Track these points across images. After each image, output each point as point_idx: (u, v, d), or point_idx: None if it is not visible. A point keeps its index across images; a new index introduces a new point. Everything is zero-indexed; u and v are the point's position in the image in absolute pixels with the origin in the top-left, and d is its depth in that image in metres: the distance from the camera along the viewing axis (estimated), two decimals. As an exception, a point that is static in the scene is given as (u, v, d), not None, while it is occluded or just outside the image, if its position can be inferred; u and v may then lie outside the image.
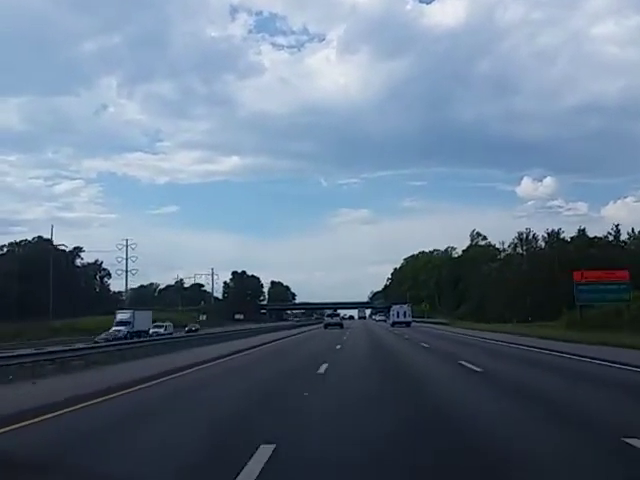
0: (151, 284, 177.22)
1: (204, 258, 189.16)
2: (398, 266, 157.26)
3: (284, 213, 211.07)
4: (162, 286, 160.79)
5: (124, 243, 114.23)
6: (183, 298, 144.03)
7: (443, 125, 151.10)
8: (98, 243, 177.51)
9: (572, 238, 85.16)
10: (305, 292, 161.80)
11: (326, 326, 57.69)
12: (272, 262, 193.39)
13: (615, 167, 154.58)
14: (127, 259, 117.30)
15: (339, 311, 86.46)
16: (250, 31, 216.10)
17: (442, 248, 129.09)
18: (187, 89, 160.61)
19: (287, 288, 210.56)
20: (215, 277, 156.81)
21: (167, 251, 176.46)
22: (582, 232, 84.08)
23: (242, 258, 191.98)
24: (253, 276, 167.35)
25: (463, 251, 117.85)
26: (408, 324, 59.40)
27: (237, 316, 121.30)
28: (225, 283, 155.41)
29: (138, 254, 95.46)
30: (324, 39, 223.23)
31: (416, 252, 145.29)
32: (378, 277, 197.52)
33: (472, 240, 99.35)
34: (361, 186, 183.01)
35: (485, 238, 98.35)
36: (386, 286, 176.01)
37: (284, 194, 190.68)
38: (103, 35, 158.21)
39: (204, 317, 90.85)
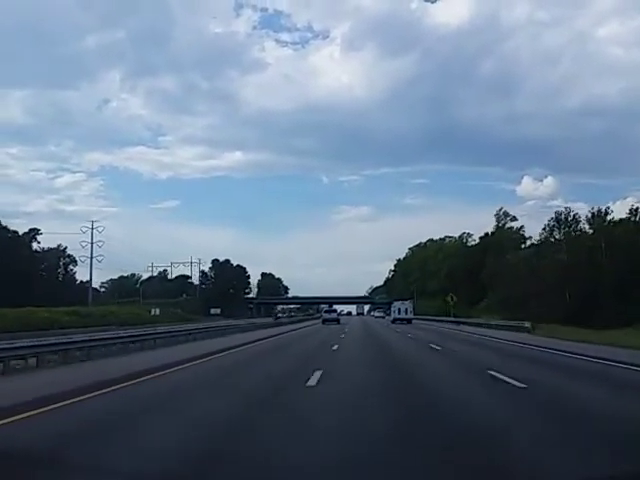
0: (133, 275, 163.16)
1: (201, 252, 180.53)
2: (402, 256, 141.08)
3: (285, 209, 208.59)
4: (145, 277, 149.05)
5: (89, 226, 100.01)
6: (167, 290, 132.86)
7: (445, 123, 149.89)
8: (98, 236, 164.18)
9: (621, 220, 68.42)
10: (305, 289, 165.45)
11: (324, 321, 59.36)
12: (271, 258, 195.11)
13: (616, 168, 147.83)
14: (92, 244, 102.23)
15: (335, 307, 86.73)
16: (254, 27, 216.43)
17: (455, 235, 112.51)
18: (190, 84, 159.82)
19: (279, 281, 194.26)
20: (202, 267, 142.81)
21: (164, 245, 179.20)
22: (635, 212, 66.57)
23: (240, 253, 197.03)
24: (239, 266, 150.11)
25: (481, 238, 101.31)
26: (409, 321, 57.77)
27: (213, 311, 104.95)
28: (203, 273, 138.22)
29: (135, 247, 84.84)
30: (328, 36, 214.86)
31: (424, 240, 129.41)
32: (378, 275, 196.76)
33: (498, 221, 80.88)
34: (362, 183, 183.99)
35: (515, 219, 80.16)
36: (388, 279, 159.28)
37: (285, 190, 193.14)
38: (106, 29, 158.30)
39: (157, 311, 74.47)
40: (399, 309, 63.16)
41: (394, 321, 59.31)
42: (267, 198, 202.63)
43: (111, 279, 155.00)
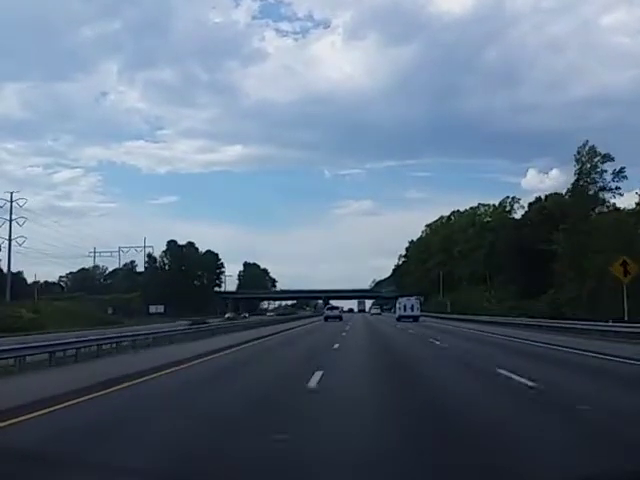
0: (96, 267, 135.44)
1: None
2: (416, 237, 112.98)
3: (285, 204, 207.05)
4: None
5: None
6: (136, 283, 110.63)
7: (448, 115, 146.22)
8: (97, 233, 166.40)
9: None
10: (305, 285, 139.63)
11: (326, 319, 60.37)
12: (271, 253, 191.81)
13: (622, 159, 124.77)
14: (10, 221, 74.19)
15: (332, 302, 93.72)
16: (254, 17, 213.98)
17: (493, 202, 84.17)
18: (189, 76, 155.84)
19: (265, 273, 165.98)
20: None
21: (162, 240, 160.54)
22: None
23: (239, 248, 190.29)
24: (210, 252, 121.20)
25: (532, 204, 73.14)
26: (416, 319, 54.47)
27: (153, 309, 77.19)
28: (150, 257, 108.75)
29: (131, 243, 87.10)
30: (329, 26, 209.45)
31: (446, 213, 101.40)
32: (380, 270, 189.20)
33: (580, 163, 49.30)
34: (364, 177, 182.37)
35: (610, 158, 48.89)
36: (397, 268, 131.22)
37: (286, 184, 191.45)
38: (103, 20, 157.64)
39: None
40: (405, 305, 59.55)
41: (399, 319, 55.48)
42: (267, 192, 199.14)
43: (71, 272, 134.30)
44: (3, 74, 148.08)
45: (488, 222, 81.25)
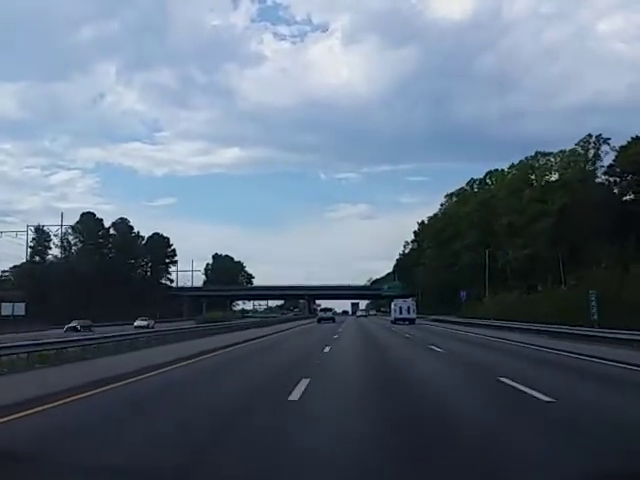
0: (42, 260, 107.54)
1: (196, 250, 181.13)
2: (432, 213, 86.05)
3: (281, 207, 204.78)
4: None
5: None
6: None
7: (444, 120, 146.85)
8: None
9: None
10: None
11: (319, 320, 62.75)
12: (266, 256, 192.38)
13: None
14: None
15: (319, 302, 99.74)
16: (252, 20, 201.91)
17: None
18: (187, 78, 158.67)
19: (239, 266, 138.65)
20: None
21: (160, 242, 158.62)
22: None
23: (234, 250, 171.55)
24: (158, 235, 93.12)
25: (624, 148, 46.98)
26: (412, 321, 52.99)
27: (8, 309, 50.79)
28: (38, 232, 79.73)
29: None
30: (327, 29, 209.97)
31: (477, 175, 74.52)
32: (376, 274, 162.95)
33: None
34: (360, 180, 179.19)
35: None
36: (401, 258, 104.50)
37: (282, 188, 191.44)
38: (101, 21, 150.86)
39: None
40: (400, 307, 56.46)
41: (395, 321, 54.00)
42: (264, 195, 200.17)
43: (15, 266, 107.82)
44: (0, 74, 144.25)
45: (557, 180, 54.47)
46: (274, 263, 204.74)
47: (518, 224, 55.62)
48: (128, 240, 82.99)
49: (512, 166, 64.31)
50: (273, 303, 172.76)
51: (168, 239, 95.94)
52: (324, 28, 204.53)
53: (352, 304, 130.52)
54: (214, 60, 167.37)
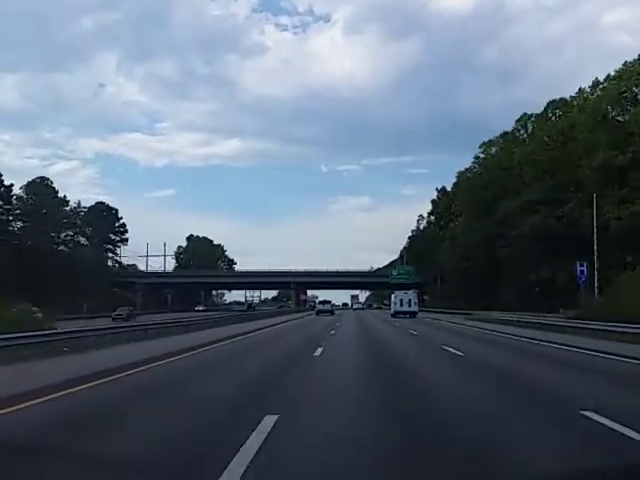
0: None
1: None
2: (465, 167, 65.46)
3: (282, 198, 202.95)
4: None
5: None
6: None
7: (446, 112, 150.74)
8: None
9: None
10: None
11: (318, 313, 61.48)
12: (266, 248, 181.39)
13: None
14: None
15: (311, 293, 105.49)
16: (254, 10, 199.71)
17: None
18: (188, 69, 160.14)
19: (219, 249, 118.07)
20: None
21: (159, 233, 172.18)
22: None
23: (233, 242, 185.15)
24: (102, 205, 72.03)
25: None
26: (413, 314, 51.05)
27: None
28: None
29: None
30: (330, 20, 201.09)
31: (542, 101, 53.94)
32: (377, 264, 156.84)
33: None
34: (361, 173, 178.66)
35: None
36: (414, 236, 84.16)
37: (283, 179, 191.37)
38: (102, 11, 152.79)
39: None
40: (401, 300, 54.49)
41: (395, 314, 51.70)
42: (264, 187, 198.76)
43: None
44: (0, 65, 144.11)
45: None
46: (273, 255, 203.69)
47: (618, 165, 35.34)
48: (48, 206, 61.44)
49: (597, 84, 43.55)
50: (269, 294, 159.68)
51: (116, 211, 75.26)
52: (326, 18, 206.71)
53: (352, 296, 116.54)
54: (215, 51, 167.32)
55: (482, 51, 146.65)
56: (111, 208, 75.04)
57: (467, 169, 63.67)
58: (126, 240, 75.41)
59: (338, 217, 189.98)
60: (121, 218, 75.07)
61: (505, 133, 57.20)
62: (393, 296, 57.47)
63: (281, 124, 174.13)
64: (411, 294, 55.34)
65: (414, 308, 52.58)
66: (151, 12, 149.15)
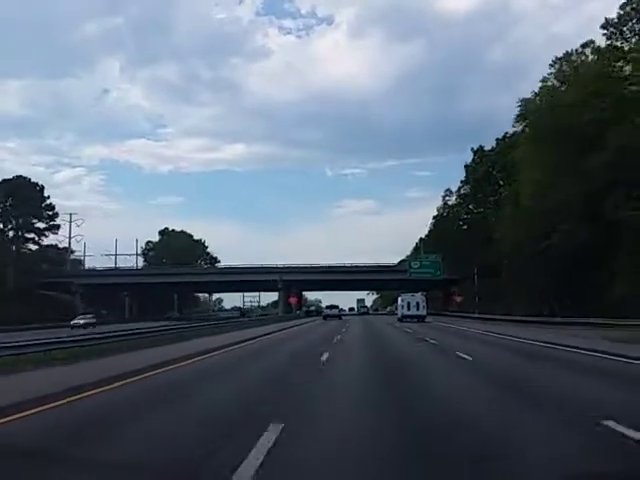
0: None
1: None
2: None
3: (287, 203, 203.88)
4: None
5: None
6: None
7: (451, 114, 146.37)
8: (99, 233, 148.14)
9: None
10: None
11: (325, 317, 61.84)
12: (271, 253, 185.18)
13: None
14: None
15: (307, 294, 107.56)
16: (257, 13, 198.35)
17: None
18: (192, 73, 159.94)
19: (201, 246, 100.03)
20: None
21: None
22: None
23: (238, 247, 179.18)
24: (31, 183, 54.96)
25: None
26: (421, 318, 49.30)
27: None
28: None
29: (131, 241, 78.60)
30: (333, 22, 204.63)
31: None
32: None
33: None
34: (366, 176, 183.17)
35: None
36: (440, 218, 66.02)
37: (288, 184, 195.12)
38: (105, 17, 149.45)
39: None
40: (408, 303, 52.51)
41: (402, 319, 49.90)
42: (270, 191, 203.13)
43: None
44: (4, 71, 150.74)
45: None
46: (277, 260, 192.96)
47: None
48: None
49: None
50: (270, 298, 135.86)
51: (42, 188, 56.57)
52: (329, 21, 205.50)
53: (358, 300, 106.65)
54: (219, 55, 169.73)
55: (486, 52, 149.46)
56: (34, 184, 56.34)
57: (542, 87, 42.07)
58: (57, 227, 57.17)
59: (343, 221, 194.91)
60: (48, 197, 56.56)
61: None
62: (400, 299, 54.99)
63: (285, 128, 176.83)
64: (419, 297, 53.31)
65: (422, 312, 50.80)
66: (154, 17, 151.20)
